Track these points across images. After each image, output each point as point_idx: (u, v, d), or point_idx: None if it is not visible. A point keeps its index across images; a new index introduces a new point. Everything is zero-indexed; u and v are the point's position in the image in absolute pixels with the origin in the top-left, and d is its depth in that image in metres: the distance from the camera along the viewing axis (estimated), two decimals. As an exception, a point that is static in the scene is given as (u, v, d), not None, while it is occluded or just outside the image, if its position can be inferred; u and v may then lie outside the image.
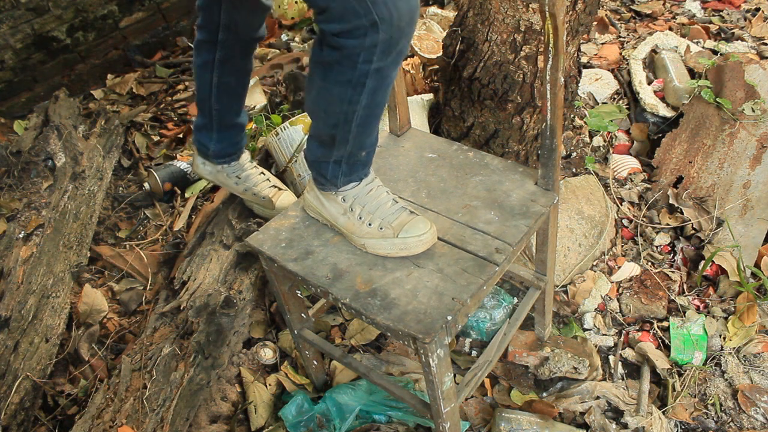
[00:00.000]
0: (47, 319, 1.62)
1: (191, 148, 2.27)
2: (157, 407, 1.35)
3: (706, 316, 1.69)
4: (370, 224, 1.14)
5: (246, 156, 1.62)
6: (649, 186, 1.98)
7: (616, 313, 1.73)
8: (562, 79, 1.07)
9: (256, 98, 2.40)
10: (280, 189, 1.60)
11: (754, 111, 1.92)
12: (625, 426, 1.49)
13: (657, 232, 1.87)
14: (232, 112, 1.54)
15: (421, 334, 0.99)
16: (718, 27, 2.58)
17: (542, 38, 1.47)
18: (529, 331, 1.64)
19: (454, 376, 1.65)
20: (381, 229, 1.12)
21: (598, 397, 1.56)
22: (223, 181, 1.63)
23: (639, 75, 2.26)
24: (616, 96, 2.28)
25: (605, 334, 1.69)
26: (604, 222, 1.77)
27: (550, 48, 1.01)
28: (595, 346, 1.67)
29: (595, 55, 2.49)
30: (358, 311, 1.05)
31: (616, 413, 1.54)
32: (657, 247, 1.85)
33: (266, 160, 1.79)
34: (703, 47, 2.39)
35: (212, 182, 1.68)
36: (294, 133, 1.68)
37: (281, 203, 1.57)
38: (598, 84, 2.30)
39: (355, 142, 1.11)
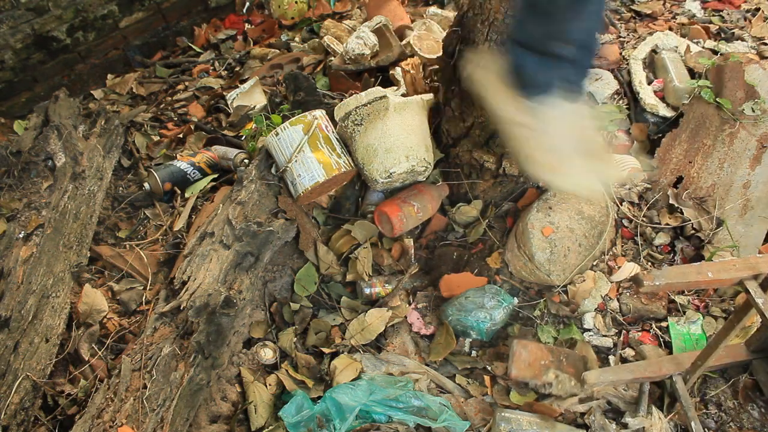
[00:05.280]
0: (47, 319, 1.62)
1: (191, 148, 2.27)
2: (157, 407, 1.35)
3: (705, 315, 1.69)
4: None
5: None
6: (649, 186, 1.98)
7: (616, 313, 1.73)
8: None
9: (256, 98, 2.40)
10: None
11: (754, 111, 1.92)
12: (625, 426, 1.49)
13: (657, 232, 1.87)
14: None
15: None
16: (718, 27, 2.58)
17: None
18: (532, 343, 1.61)
19: (454, 376, 1.66)
20: None
21: (598, 398, 1.56)
22: None
23: (639, 75, 2.26)
24: (616, 96, 2.28)
25: (605, 335, 1.69)
26: (604, 222, 1.77)
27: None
28: (595, 348, 1.67)
29: (595, 55, 2.49)
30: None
31: (616, 413, 1.54)
32: (657, 247, 1.85)
33: (266, 160, 1.79)
34: (703, 47, 2.39)
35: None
36: (294, 133, 1.68)
37: None
38: (598, 84, 2.30)
39: None
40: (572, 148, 1.02)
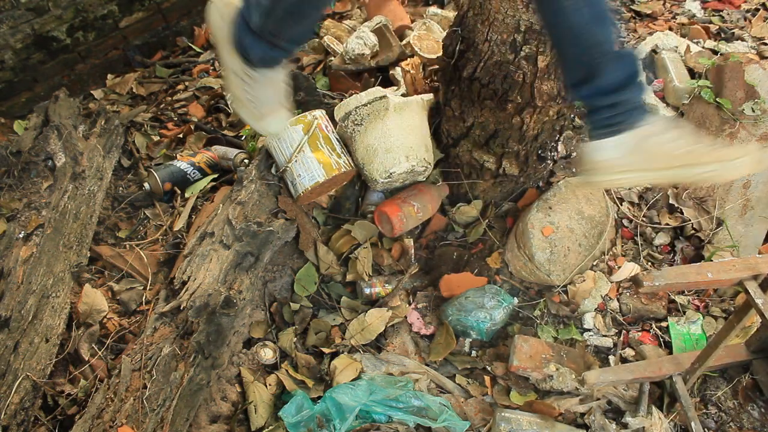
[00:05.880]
0: (47, 319, 1.62)
1: (191, 148, 2.27)
2: (157, 407, 1.35)
3: (705, 316, 1.69)
4: None
5: None
6: (649, 186, 1.98)
7: (616, 313, 1.73)
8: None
9: (256, 98, 2.39)
10: None
11: (754, 111, 1.92)
12: (625, 426, 1.49)
13: (657, 232, 1.87)
14: None
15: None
16: (718, 27, 2.58)
17: (542, 38, 1.47)
18: (534, 338, 1.63)
19: (454, 376, 1.66)
20: None
21: (598, 398, 1.56)
22: None
23: (639, 75, 2.26)
24: (616, 96, 2.27)
25: (605, 335, 1.69)
26: (604, 222, 1.77)
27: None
28: (595, 348, 1.67)
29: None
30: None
31: (616, 413, 1.54)
32: (657, 247, 1.85)
33: (266, 160, 1.79)
34: (703, 47, 2.39)
35: None
36: (294, 133, 1.68)
37: None
38: (598, 84, 2.29)
39: None
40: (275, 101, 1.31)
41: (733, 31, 2.54)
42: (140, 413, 1.33)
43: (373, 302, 1.78)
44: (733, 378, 1.59)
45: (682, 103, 2.07)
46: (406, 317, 1.77)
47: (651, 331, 1.69)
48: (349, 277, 1.83)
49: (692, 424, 1.43)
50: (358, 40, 2.21)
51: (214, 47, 1.28)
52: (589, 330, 1.70)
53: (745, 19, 2.63)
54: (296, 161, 1.67)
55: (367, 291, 1.78)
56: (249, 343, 1.69)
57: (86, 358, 1.61)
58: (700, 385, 1.59)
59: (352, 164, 1.75)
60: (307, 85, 2.01)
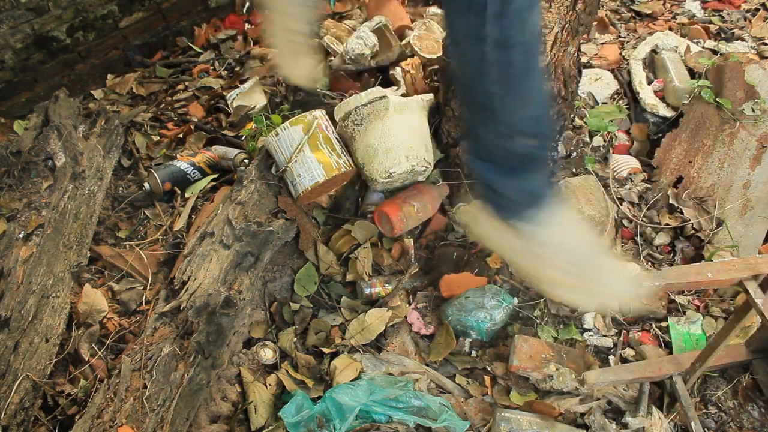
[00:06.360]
0: (47, 319, 1.62)
1: (191, 148, 2.27)
2: (157, 407, 1.35)
3: (705, 316, 1.69)
4: None
5: None
6: (649, 186, 1.98)
7: (616, 313, 1.73)
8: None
9: (256, 98, 2.40)
10: None
11: (754, 111, 1.92)
12: (625, 426, 1.49)
13: (657, 232, 1.87)
14: None
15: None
16: (718, 27, 2.58)
17: (542, 38, 1.47)
18: (534, 338, 1.63)
19: (454, 376, 1.66)
20: None
21: (598, 398, 1.56)
22: None
23: (639, 75, 2.26)
24: (616, 96, 2.28)
25: (605, 335, 1.69)
26: (604, 222, 1.77)
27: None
28: (595, 348, 1.67)
29: (595, 55, 2.49)
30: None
31: (616, 413, 1.54)
32: (657, 247, 1.85)
33: (266, 160, 1.79)
34: (703, 47, 2.39)
35: None
36: (294, 133, 1.68)
37: None
38: (598, 84, 2.30)
39: None
40: (588, 254, 0.91)
41: (733, 31, 2.54)
42: (140, 413, 1.33)
43: (373, 302, 1.78)
44: (733, 378, 1.59)
45: (682, 103, 2.07)
46: (406, 317, 1.77)
47: (651, 331, 1.69)
48: (349, 277, 1.83)
49: (692, 424, 1.43)
50: (358, 40, 2.21)
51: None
52: (589, 330, 1.70)
53: (745, 19, 2.63)
54: (296, 161, 1.67)
55: (367, 291, 1.78)
56: (249, 343, 1.69)
57: (86, 358, 1.61)
58: (700, 385, 1.59)
59: (352, 164, 1.75)
60: (307, 85, 2.00)
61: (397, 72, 2.13)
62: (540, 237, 0.89)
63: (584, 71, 2.25)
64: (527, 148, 0.87)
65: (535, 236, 0.89)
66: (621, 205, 1.92)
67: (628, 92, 2.27)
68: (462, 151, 0.89)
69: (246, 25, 3.14)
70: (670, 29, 2.54)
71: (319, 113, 1.73)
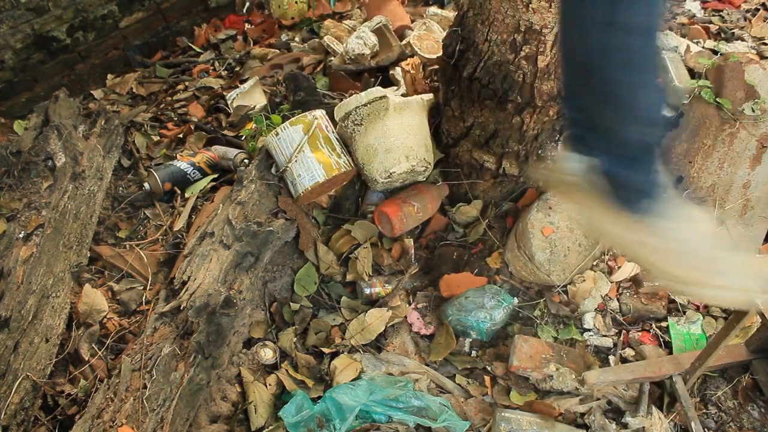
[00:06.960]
0: (47, 319, 1.62)
1: (191, 148, 2.27)
2: (157, 407, 1.35)
3: (705, 316, 1.69)
4: None
5: None
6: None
7: (616, 313, 1.73)
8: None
9: (256, 98, 2.40)
10: None
11: (754, 111, 1.92)
12: (625, 426, 1.49)
13: (657, 232, 1.87)
14: None
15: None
16: (718, 27, 2.58)
17: (542, 38, 1.47)
18: (534, 338, 1.63)
19: (454, 376, 1.66)
20: None
21: (598, 398, 1.56)
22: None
23: (639, 75, 2.26)
24: (616, 96, 2.27)
25: (605, 335, 1.69)
26: (604, 222, 1.77)
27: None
28: (595, 348, 1.67)
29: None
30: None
31: (616, 413, 1.54)
32: (657, 247, 1.85)
33: (266, 160, 1.79)
34: (703, 47, 2.39)
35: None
36: (294, 133, 1.68)
37: None
38: (598, 84, 2.29)
39: None
40: (713, 249, 0.84)
41: (733, 31, 2.54)
42: (140, 413, 1.33)
43: (373, 302, 1.78)
44: (733, 378, 1.59)
45: (682, 103, 2.07)
46: (406, 317, 1.77)
47: (651, 331, 1.69)
48: (349, 277, 1.83)
49: (692, 424, 1.43)
50: (358, 40, 2.21)
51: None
52: (589, 330, 1.70)
53: (745, 19, 2.63)
54: (296, 161, 1.67)
55: (367, 291, 1.78)
56: (249, 343, 1.69)
57: (86, 358, 1.61)
58: (700, 385, 1.59)
59: (352, 164, 1.75)
60: (307, 85, 2.01)
61: (397, 72, 2.14)
62: (672, 232, 0.85)
63: (584, 71, 2.25)
64: (650, 137, 0.85)
65: (657, 228, 0.85)
66: (621, 205, 1.92)
67: (628, 92, 2.27)
68: (570, 149, 0.82)
69: (246, 25, 3.14)
70: (670, 29, 2.54)
71: (319, 113, 1.73)
